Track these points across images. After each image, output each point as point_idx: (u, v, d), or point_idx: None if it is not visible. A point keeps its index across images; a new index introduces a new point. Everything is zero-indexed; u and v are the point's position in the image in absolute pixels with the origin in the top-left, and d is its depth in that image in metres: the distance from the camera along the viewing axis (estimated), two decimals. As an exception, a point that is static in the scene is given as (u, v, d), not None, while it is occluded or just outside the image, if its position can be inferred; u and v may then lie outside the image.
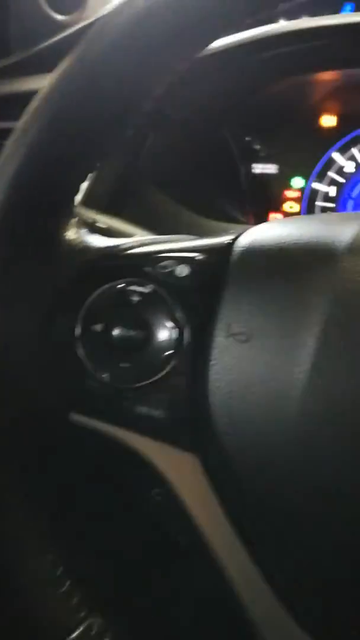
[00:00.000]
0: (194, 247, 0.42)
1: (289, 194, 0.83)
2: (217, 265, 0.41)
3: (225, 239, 0.42)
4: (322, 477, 0.37)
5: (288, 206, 0.83)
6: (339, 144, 0.81)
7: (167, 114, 0.71)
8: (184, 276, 0.41)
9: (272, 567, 0.40)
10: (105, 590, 0.45)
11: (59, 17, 0.80)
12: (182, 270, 0.41)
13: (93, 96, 0.38)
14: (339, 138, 0.81)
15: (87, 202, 0.67)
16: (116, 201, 0.70)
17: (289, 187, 0.83)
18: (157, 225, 0.71)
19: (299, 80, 0.74)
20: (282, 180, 0.83)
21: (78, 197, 0.62)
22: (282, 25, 0.69)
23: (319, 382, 0.37)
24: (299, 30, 0.67)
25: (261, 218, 0.83)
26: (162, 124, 0.72)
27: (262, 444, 0.39)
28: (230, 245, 0.42)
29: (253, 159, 0.83)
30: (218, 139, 0.77)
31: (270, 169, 0.82)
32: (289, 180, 0.83)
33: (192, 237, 0.45)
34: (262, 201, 0.82)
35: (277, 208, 0.83)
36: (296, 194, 0.83)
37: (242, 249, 0.41)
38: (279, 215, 0.84)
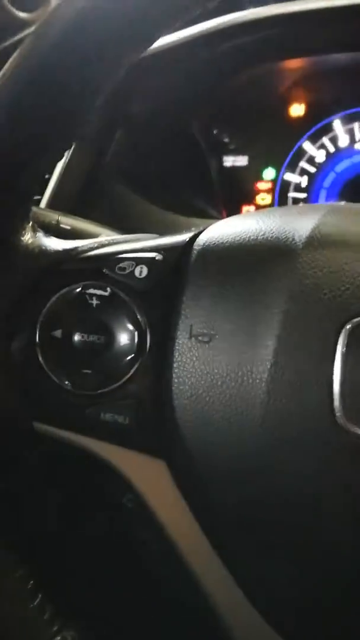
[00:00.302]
0: (153, 246, 0.41)
1: (260, 185, 0.82)
2: (177, 264, 0.40)
3: (184, 237, 0.41)
4: (288, 478, 0.37)
5: (260, 198, 0.82)
6: (309, 133, 0.80)
7: (132, 110, 0.70)
8: (143, 277, 0.40)
9: (244, 572, 0.40)
10: (79, 602, 0.45)
11: (22, 14, 0.78)
12: (142, 271, 0.40)
13: (40, 94, 0.36)
14: (308, 127, 0.80)
15: (53, 203, 0.66)
16: (84, 201, 0.69)
17: (260, 179, 0.82)
18: (127, 224, 0.70)
19: (266, 70, 0.73)
20: (253, 172, 0.82)
21: (44, 199, 0.60)
22: (248, 13, 0.67)
23: (280, 381, 0.36)
24: (263, 18, 0.66)
25: (234, 212, 0.82)
26: (128, 120, 0.71)
27: (227, 446, 0.38)
28: (189, 243, 0.41)
29: (223, 151, 0.82)
30: (185, 132, 0.76)
31: (241, 161, 0.81)
32: (260, 172, 0.82)
33: (152, 236, 0.44)
34: (234, 194, 0.81)
35: (250, 201, 0.82)
36: (268, 186, 0.82)
37: (201, 247, 0.40)
38: (251, 208, 0.83)
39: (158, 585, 0.46)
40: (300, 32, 0.65)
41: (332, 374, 0.35)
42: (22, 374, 0.41)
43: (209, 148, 0.79)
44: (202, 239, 0.41)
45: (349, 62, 0.76)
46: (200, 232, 0.42)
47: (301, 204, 0.81)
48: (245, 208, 0.83)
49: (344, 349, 0.36)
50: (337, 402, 0.35)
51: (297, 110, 0.80)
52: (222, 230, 0.41)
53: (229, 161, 0.82)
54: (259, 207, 0.82)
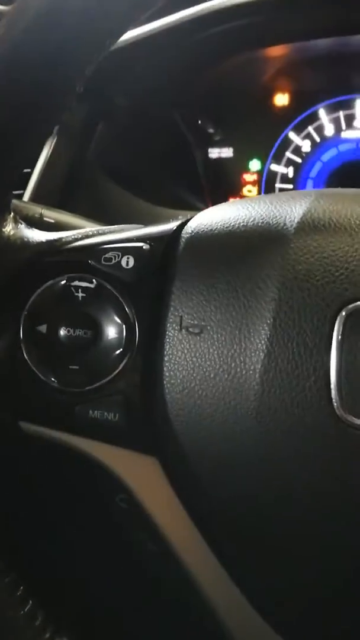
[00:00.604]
0: (139, 236, 0.40)
1: (247, 177, 0.81)
2: (165, 254, 0.39)
3: (172, 225, 0.40)
4: (284, 472, 0.35)
5: (246, 190, 0.81)
6: (294, 123, 0.79)
7: (114, 101, 0.69)
8: (130, 268, 0.39)
9: (240, 570, 0.39)
10: (72, 607, 0.43)
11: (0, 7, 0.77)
12: (128, 262, 0.39)
13: (14, 81, 0.35)
14: (293, 117, 0.79)
15: (36, 197, 0.64)
16: (67, 195, 0.68)
17: (246, 170, 0.81)
18: (111, 217, 0.68)
19: (249, 58, 0.72)
20: (239, 164, 0.81)
21: (26, 193, 0.59)
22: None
23: (274, 372, 0.35)
24: (246, 3, 0.64)
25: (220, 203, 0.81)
26: (110, 112, 0.69)
27: (221, 440, 0.37)
28: (177, 232, 0.40)
29: (208, 143, 0.80)
30: (170, 124, 0.75)
31: (226, 152, 0.80)
32: (246, 163, 0.81)
33: (138, 226, 0.43)
34: (220, 186, 0.80)
35: (236, 192, 0.81)
36: (254, 177, 0.81)
37: (189, 235, 0.39)
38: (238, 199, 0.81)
39: (154, 585, 0.44)
40: (283, 18, 0.64)
41: (328, 362, 0.34)
42: (5, 372, 0.39)
43: (194, 140, 0.77)
44: (190, 227, 0.39)
45: (332, 49, 0.75)
46: (187, 220, 0.40)
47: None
48: (231, 200, 0.81)
49: (340, 336, 0.35)
50: (334, 392, 0.34)
51: (281, 99, 0.79)
52: (211, 217, 0.40)
53: (214, 153, 0.81)
54: (245, 199, 0.81)
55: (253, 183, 0.81)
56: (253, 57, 0.72)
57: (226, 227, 0.39)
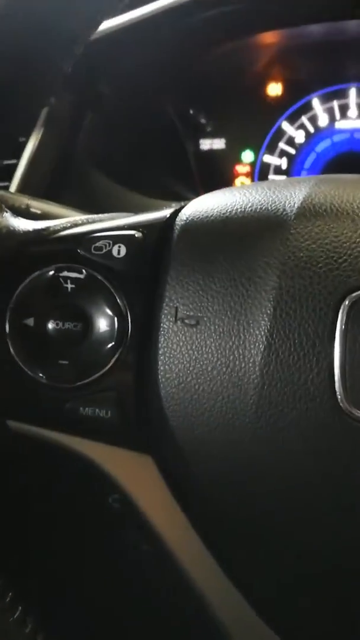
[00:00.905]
0: (131, 224, 0.38)
1: (239, 168, 0.79)
2: (158, 242, 0.37)
3: (166, 212, 0.38)
4: (286, 468, 0.34)
5: (239, 182, 0.79)
6: (287, 113, 0.77)
7: (103, 90, 0.67)
8: (122, 257, 0.37)
9: (236, 566, 0.37)
10: (64, 613, 0.41)
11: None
12: (120, 250, 0.37)
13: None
14: (287, 107, 0.77)
15: (23, 189, 0.62)
16: (55, 186, 0.66)
17: (239, 161, 0.79)
18: (100, 209, 0.66)
19: (240, 45, 0.70)
20: (231, 155, 0.79)
21: (13, 185, 0.56)
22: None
23: (274, 364, 0.33)
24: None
25: (212, 196, 0.79)
26: (99, 101, 0.67)
27: (219, 437, 0.35)
28: (171, 219, 0.38)
29: (200, 134, 0.79)
30: (161, 114, 0.73)
31: (218, 143, 0.78)
32: (239, 155, 0.79)
33: (129, 214, 0.41)
34: (212, 178, 0.78)
35: (228, 184, 0.79)
36: (247, 169, 0.79)
37: (184, 222, 0.37)
38: (230, 192, 0.80)
39: (149, 585, 0.43)
40: (275, 2, 0.62)
41: (332, 354, 0.33)
42: (-9, 368, 0.37)
43: (185, 130, 0.75)
44: (185, 213, 0.38)
45: (325, 38, 0.73)
46: (182, 207, 0.38)
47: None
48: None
49: (344, 326, 0.33)
50: (338, 384, 0.33)
51: (274, 89, 0.77)
52: (206, 204, 0.38)
53: (206, 144, 0.79)
54: (238, 191, 0.79)
55: (246, 174, 0.79)
56: (245, 45, 0.70)
57: (223, 214, 0.37)
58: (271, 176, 0.79)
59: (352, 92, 0.77)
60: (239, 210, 0.37)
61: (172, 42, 0.62)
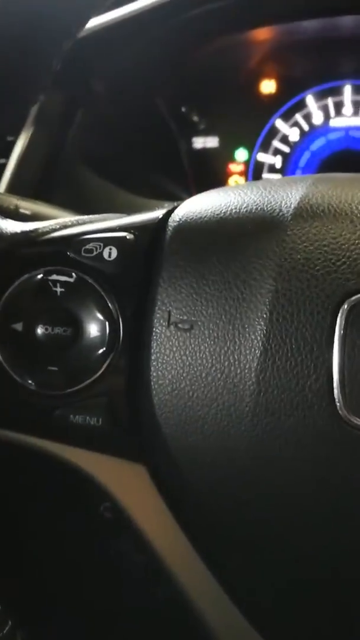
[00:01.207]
0: (122, 225, 0.37)
1: (233, 167, 0.78)
2: (150, 244, 0.36)
3: (158, 213, 0.37)
4: (283, 477, 0.33)
5: (233, 180, 0.78)
6: (281, 111, 0.76)
7: (93, 87, 0.65)
8: (113, 259, 0.36)
9: (230, 577, 0.36)
10: (55, 623, 0.40)
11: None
12: (111, 253, 0.36)
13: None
14: (281, 104, 0.76)
15: (12, 188, 0.61)
16: (45, 186, 0.64)
17: (232, 160, 0.78)
18: (91, 208, 0.65)
19: (234, 42, 0.69)
20: (225, 153, 0.78)
21: (1, 186, 0.55)
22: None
23: (271, 370, 0.32)
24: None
25: (206, 195, 0.78)
26: (90, 99, 0.66)
27: (214, 445, 0.34)
28: (163, 220, 0.37)
29: (192, 132, 0.77)
30: (152, 111, 0.72)
31: (211, 142, 0.77)
32: (233, 153, 0.78)
33: (121, 215, 0.40)
34: (206, 177, 0.77)
35: (222, 183, 0.78)
36: (241, 167, 0.78)
37: (176, 223, 0.36)
38: (224, 191, 0.78)
39: (142, 596, 0.42)
40: None
41: (330, 359, 0.32)
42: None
43: (178, 128, 0.74)
44: (178, 214, 0.36)
45: (319, 34, 0.72)
46: (174, 208, 0.37)
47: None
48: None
49: (342, 330, 0.32)
50: (336, 391, 0.31)
51: (268, 86, 0.76)
52: (200, 204, 0.37)
53: (199, 142, 0.78)
54: (232, 190, 0.78)
55: (240, 173, 0.78)
56: (238, 42, 0.69)
57: (216, 215, 0.36)
58: (265, 175, 0.78)
59: (347, 89, 0.76)
60: (234, 210, 0.36)
61: (164, 39, 0.60)
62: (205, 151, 0.78)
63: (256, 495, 0.34)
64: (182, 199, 0.75)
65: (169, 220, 0.36)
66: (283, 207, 0.35)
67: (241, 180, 0.78)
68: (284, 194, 0.35)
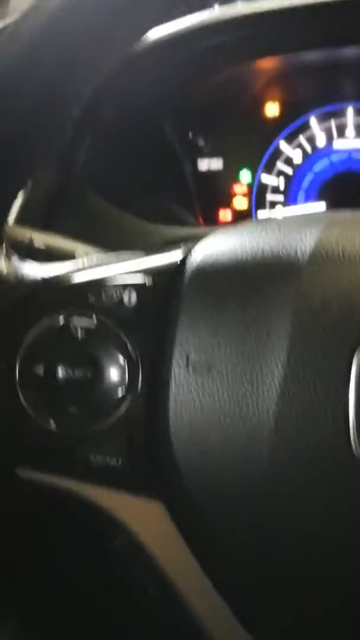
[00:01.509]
0: (141, 269, 0.38)
1: (237, 188, 0.79)
2: (169, 288, 0.37)
3: (175, 257, 0.38)
4: (301, 520, 0.34)
5: (237, 202, 0.79)
6: (284, 133, 0.77)
7: (102, 114, 0.66)
8: (132, 304, 0.36)
9: (250, 615, 0.37)
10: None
11: None
12: (130, 298, 0.36)
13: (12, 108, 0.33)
14: (284, 126, 0.77)
15: (21, 217, 0.62)
16: (55, 212, 0.65)
17: (237, 181, 0.79)
18: (99, 234, 0.66)
19: (240, 69, 0.70)
20: (229, 175, 0.78)
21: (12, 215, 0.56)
22: (218, 12, 0.64)
23: (288, 413, 0.33)
24: (236, 17, 0.62)
25: (210, 216, 0.79)
26: (98, 124, 0.67)
27: (231, 487, 0.35)
28: (181, 264, 0.37)
29: (197, 154, 0.78)
30: (158, 136, 0.73)
31: (216, 164, 0.78)
32: (237, 175, 0.79)
33: (138, 254, 0.40)
34: (211, 198, 0.78)
35: (227, 204, 0.79)
36: (245, 189, 0.79)
37: (194, 267, 0.37)
38: (228, 212, 0.79)
39: (160, 631, 0.42)
40: (275, 31, 0.62)
41: (347, 402, 0.32)
42: (1, 416, 0.37)
43: (184, 152, 0.75)
44: (195, 258, 0.37)
45: (323, 60, 0.73)
46: (191, 250, 0.38)
47: (278, 210, 0.78)
48: (222, 212, 0.79)
49: (358, 375, 0.33)
50: (353, 433, 0.32)
51: (272, 109, 0.77)
52: (216, 247, 0.38)
53: (203, 164, 0.78)
54: (235, 211, 0.79)
55: (243, 195, 0.79)
56: (245, 69, 0.70)
57: (233, 258, 0.37)
58: (269, 196, 0.79)
59: (350, 111, 0.77)
60: (249, 254, 0.37)
61: (174, 69, 0.61)
62: (209, 173, 0.79)
63: (273, 538, 0.35)
64: (187, 221, 0.76)
65: (187, 264, 0.37)
66: (298, 252, 0.35)
67: (245, 201, 0.79)
68: (299, 238, 0.36)
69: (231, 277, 0.36)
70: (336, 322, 0.33)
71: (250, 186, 0.79)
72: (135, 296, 0.36)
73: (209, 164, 0.79)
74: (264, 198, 0.79)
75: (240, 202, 0.79)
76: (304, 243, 0.36)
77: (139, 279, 0.37)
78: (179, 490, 0.36)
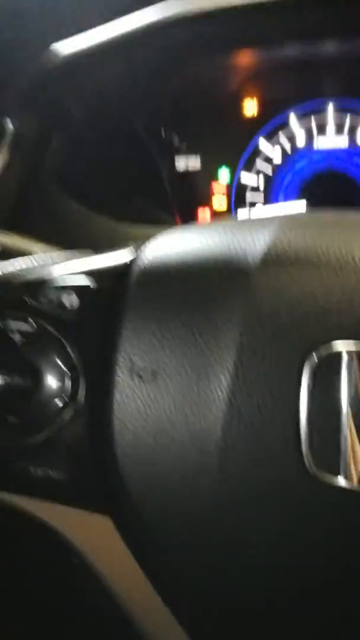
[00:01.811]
0: (85, 270, 0.36)
1: (216, 187, 0.77)
2: (113, 291, 0.35)
3: (123, 257, 0.36)
4: (250, 533, 0.32)
5: (216, 201, 0.77)
6: (264, 131, 0.75)
7: (70, 111, 0.64)
8: (74, 308, 0.34)
9: (198, 628, 0.35)
10: None
11: None
12: (72, 301, 0.34)
13: None
14: (263, 124, 0.75)
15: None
16: (22, 212, 0.63)
17: (215, 179, 0.77)
18: (70, 237, 0.64)
19: (215, 65, 0.68)
20: (207, 175, 0.76)
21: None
22: (190, 3, 0.62)
23: (237, 424, 0.31)
24: (210, 9, 0.60)
25: (188, 217, 0.76)
26: (66, 123, 0.65)
27: (179, 499, 0.33)
28: (127, 265, 0.35)
29: (174, 153, 0.76)
30: (132, 134, 0.70)
31: (194, 163, 0.76)
32: (215, 174, 0.77)
33: (85, 253, 0.38)
34: (188, 198, 0.76)
35: (205, 203, 0.77)
36: (224, 187, 0.77)
37: (140, 270, 0.35)
38: (207, 211, 0.77)
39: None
40: (249, 23, 0.60)
41: (298, 413, 0.30)
42: None
43: (159, 150, 0.73)
44: (142, 260, 0.35)
45: (301, 55, 0.71)
46: (139, 251, 0.36)
47: (257, 208, 0.76)
48: (200, 211, 0.77)
49: (310, 383, 0.31)
50: (304, 446, 0.30)
51: (250, 107, 0.75)
52: (164, 249, 0.36)
53: (181, 163, 0.76)
54: (214, 212, 0.77)
55: (222, 194, 0.77)
56: (219, 63, 0.68)
57: (181, 262, 0.35)
58: (249, 194, 0.77)
59: (330, 109, 0.75)
60: (198, 257, 0.34)
61: (144, 61, 0.59)
62: (187, 172, 0.77)
63: (222, 551, 0.33)
64: (164, 221, 0.74)
65: (133, 265, 0.35)
66: (248, 255, 0.33)
67: (224, 200, 0.77)
68: (250, 240, 0.34)
69: (179, 280, 0.34)
70: (286, 330, 0.31)
71: (229, 185, 0.77)
72: (78, 299, 0.34)
73: (187, 162, 0.77)
74: (244, 197, 0.77)
75: (219, 201, 0.77)
76: (255, 246, 0.34)
77: (82, 281, 0.35)
78: (124, 503, 0.34)
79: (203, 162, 0.76)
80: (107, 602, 0.36)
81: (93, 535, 0.35)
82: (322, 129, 0.75)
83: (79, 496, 0.35)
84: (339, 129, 0.75)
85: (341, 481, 0.30)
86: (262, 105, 0.75)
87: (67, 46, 0.60)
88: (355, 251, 0.32)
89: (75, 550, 0.35)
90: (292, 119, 0.75)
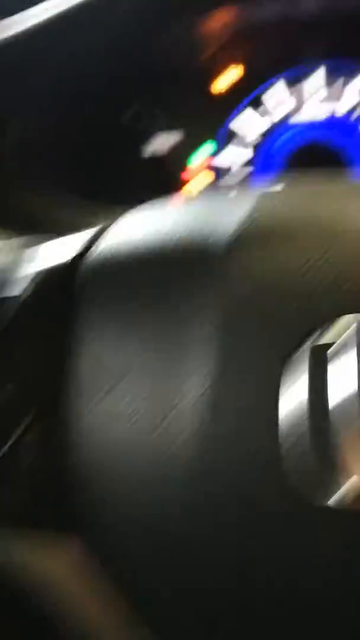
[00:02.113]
0: (36, 260, 0.31)
1: (192, 169, 0.73)
2: (68, 282, 0.30)
3: (76, 242, 0.31)
4: (219, 544, 0.28)
5: (192, 185, 0.72)
6: (241, 106, 0.71)
7: (32, 88, 0.59)
8: (23, 304, 0.30)
9: None
10: None
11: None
12: (20, 294, 0.30)
13: None
14: (240, 99, 0.70)
15: None
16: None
17: (191, 161, 0.72)
18: (34, 227, 0.59)
19: (191, 29, 0.63)
20: (182, 155, 0.72)
21: None
22: None
23: (213, 434, 0.27)
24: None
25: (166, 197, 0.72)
26: (24, 106, 0.60)
27: (146, 512, 0.29)
28: (83, 251, 0.31)
29: (152, 129, 0.71)
30: (99, 113, 0.65)
31: (167, 144, 0.71)
32: (197, 149, 0.72)
33: (38, 239, 0.34)
34: (161, 183, 0.71)
35: (181, 187, 0.72)
36: (200, 169, 0.72)
37: (99, 256, 0.31)
38: (188, 188, 0.73)
39: None
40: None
41: (277, 423, 0.26)
42: None
43: (130, 131, 0.68)
44: (101, 245, 0.31)
45: (279, 21, 0.67)
46: (95, 237, 0.32)
47: (239, 184, 0.72)
48: (180, 191, 0.73)
49: (292, 381, 0.27)
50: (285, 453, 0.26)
51: (225, 80, 0.70)
52: (126, 232, 0.31)
53: (158, 140, 0.72)
54: (196, 189, 0.73)
55: (200, 175, 0.72)
56: (196, 29, 0.63)
57: (146, 244, 0.30)
58: (229, 174, 0.73)
59: (310, 81, 0.71)
60: (166, 238, 0.30)
61: (113, 28, 0.54)
62: (160, 155, 0.72)
63: (192, 562, 0.29)
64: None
65: (89, 252, 0.31)
66: (220, 234, 0.29)
67: (202, 182, 0.73)
68: (223, 217, 0.30)
69: (143, 265, 0.30)
70: (268, 320, 0.27)
71: (206, 165, 0.72)
72: (27, 293, 0.30)
73: (160, 144, 0.72)
74: (224, 176, 0.73)
75: (197, 183, 0.73)
76: (229, 222, 0.30)
77: (30, 272, 0.30)
78: (90, 523, 0.30)
79: (178, 144, 0.72)
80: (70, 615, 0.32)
81: (56, 560, 0.32)
82: (302, 102, 0.71)
83: (37, 519, 0.31)
84: (327, 99, 0.71)
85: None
86: (239, 79, 0.70)
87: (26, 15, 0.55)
88: (343, 223, 0.28)
89: (36, 579, 0.32)
90: (277, 89, 0.71)
